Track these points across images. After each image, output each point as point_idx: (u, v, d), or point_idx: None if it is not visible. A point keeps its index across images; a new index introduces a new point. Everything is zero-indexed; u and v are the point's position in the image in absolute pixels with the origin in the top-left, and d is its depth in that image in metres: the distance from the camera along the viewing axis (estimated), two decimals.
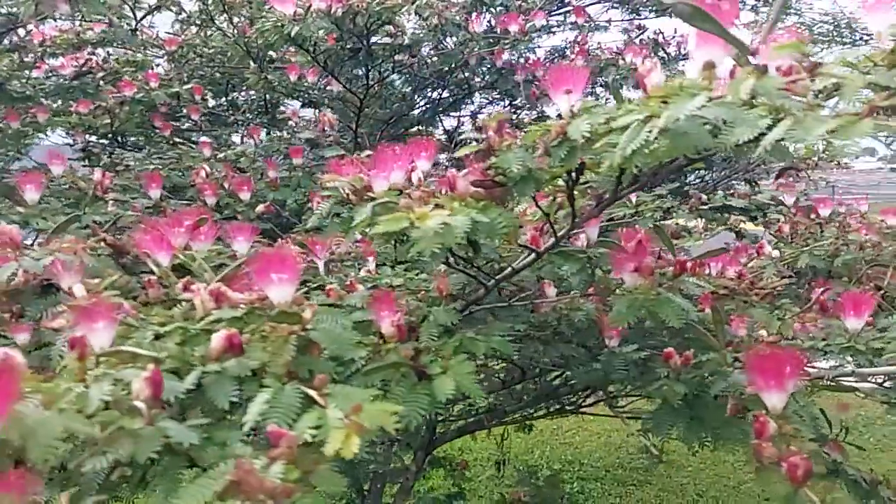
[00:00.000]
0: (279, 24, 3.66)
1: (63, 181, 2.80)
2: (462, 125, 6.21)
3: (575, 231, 1.86)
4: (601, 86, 4.54)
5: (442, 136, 6.24)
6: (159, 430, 1.05)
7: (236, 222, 2.63)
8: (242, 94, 6.06)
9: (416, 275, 2.18)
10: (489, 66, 4.48)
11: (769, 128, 1.10)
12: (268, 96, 5.34)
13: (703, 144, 1.21)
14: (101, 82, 4.17)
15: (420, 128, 5.84)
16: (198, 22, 5.10)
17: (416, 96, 5.18)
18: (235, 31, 4.90)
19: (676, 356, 1.97)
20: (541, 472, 6.11)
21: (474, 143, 1.54)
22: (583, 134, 1.36)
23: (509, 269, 1.94)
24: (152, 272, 2.00)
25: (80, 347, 1.11)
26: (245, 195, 3.11)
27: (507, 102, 5.81)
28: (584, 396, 3.70)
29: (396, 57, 4.19)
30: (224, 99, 5.84)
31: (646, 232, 1.84)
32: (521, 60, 4.46)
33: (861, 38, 9.28)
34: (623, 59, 4.13)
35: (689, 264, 1.87)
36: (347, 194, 1.72)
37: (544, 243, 1.93)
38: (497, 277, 2.00)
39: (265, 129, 5.66)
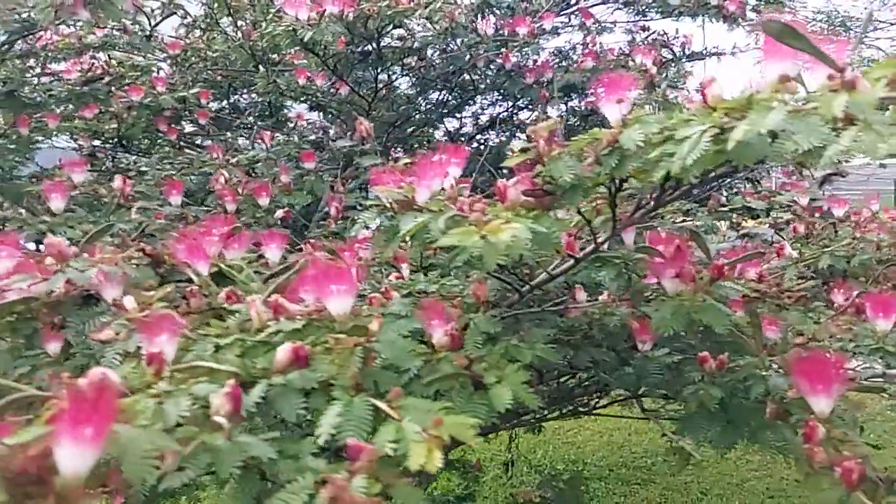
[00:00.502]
0: (291, 28, 3.66)
1: (83, 188, 2.79)
2: (463, 126, 6.23)
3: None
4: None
5: (443, 137, 6.26)
6: (239, 445, 1.06)
7: (259, 229, 2.63)
8: (244, 97, 6.05)
9: (448, 281, 2.19)
10: (498, 68, 4.49)
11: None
12: (272, 99, 5.33)
13: (764, 154, 1.23)
14: (113, 88, 4.15)
15: (424, 129, 5.85)
16: (202, 25, 5.08)
17: (420, 98, 5.19)
18: (240, 35, 4.89)
19: (711, 360, 1.98)
20: (546, 472, 6.12)
21: (521, 152, 1.55)
22: (636, 143, 1.38)
23: (544, 274, 1.95)
24: (189, 281, 2.00)
25: (157, 363, 1.11)
26: (263, 201, 3.11)
27: (509, 104, 5.82)
28: (598, 398, 3.73)
29: (405, 60, 4.19)
30: (225, 102, 5.82)
31: (680, 235, 1.86)
32: (530, 63, 4.47)
33: (855, 36, 9.35)
34: (633, 60, 4.14)
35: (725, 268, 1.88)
36: (391, 203, 1.72)
37: (579, 249, 1.95)
38: (532, 283, 2.01)
39: (269, 133, 5.66)
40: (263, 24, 4.97)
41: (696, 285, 1.73)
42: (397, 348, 1.31)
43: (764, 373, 1.86)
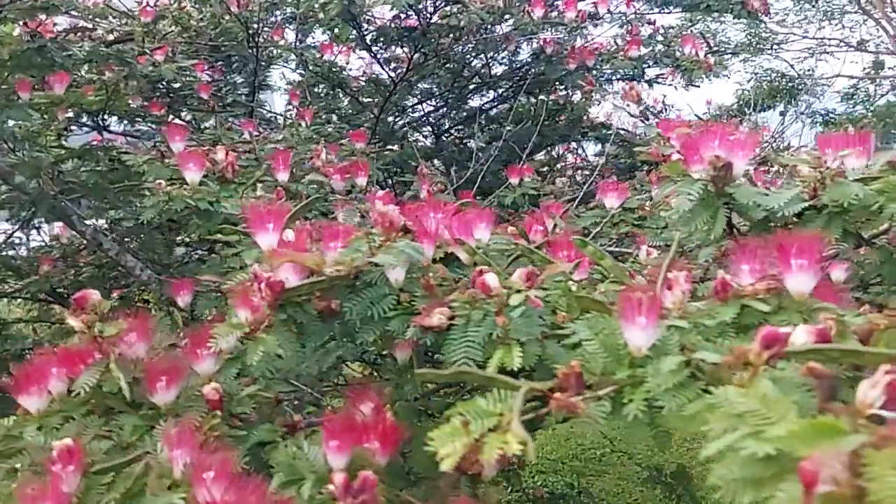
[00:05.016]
0: None
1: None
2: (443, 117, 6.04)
3: None
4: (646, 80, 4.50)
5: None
6: None
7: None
8: (206, 73, 5.59)
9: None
10: (536, 52, 4.33)
11: None
12: (256, 78, 4.95)
13: None
14: (147, 49, 3.68)
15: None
16: None
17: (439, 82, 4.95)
18: (236, 4, 4.50)
19: None
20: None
21: None
22: None
23: None
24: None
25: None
26: (361, 180, 2.82)
27: (495, 94, 5.68)
28: None
29: (442, 40, 3.96)
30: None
31: None
32: (567, 49, 4.33)
33: (771, 48, 9.87)
34: (681, 50, 4.09)
35: None
36: (711, 175, 1.57)
37: None
38: None
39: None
40: None
41: None
42: None
43: None
